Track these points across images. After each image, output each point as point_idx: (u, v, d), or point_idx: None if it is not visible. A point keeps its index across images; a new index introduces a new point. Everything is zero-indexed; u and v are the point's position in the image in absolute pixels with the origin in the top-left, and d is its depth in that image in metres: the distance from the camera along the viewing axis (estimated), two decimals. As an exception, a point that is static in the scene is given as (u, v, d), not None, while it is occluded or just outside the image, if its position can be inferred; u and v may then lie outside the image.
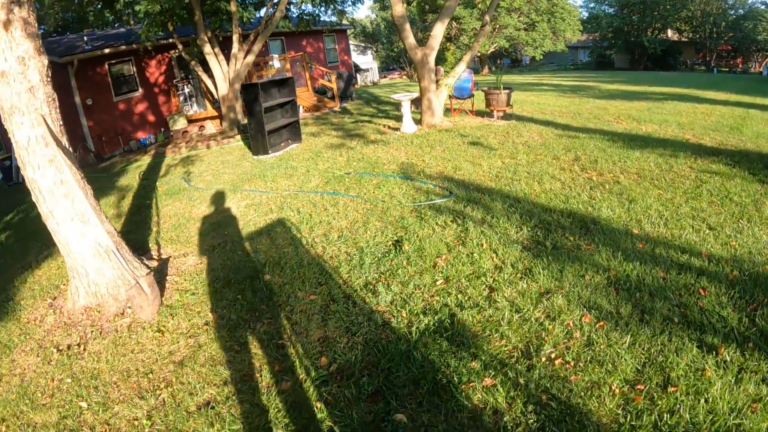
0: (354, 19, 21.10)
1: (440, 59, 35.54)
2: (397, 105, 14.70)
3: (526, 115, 11.77)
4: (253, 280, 4.49)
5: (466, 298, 3.71)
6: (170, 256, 5.57)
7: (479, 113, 12.03)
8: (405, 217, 5.53)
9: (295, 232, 5.58)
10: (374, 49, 34.02)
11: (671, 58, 40.33)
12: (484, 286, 3.87)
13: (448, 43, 34.35)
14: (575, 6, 37.19)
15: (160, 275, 5.02)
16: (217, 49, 13.39)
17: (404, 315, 3.60)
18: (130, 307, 4.38)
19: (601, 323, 3.32)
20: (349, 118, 13.61)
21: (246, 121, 10.55)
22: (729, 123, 9.72)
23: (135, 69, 17.03)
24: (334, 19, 20.78)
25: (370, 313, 3.68)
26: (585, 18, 40.42)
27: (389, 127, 11.32)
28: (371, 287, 4.04)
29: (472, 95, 12.06)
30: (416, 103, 11.52)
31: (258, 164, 9.41)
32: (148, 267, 5.01)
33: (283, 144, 10.61)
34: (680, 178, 6.11)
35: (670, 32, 43.06)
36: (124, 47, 16.20)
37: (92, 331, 4.17)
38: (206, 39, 12.53)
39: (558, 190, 5.99)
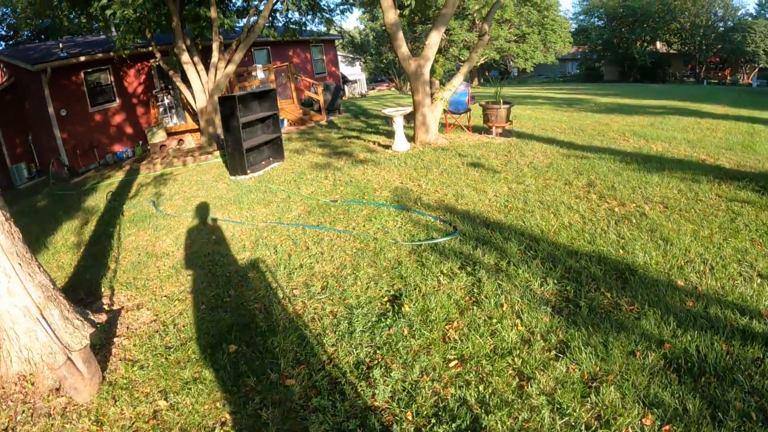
0: (342, 28, 20.33)
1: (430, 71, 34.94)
2: (387, 119, 13.82)
3: (526, 131, 10.96)
4: (215, 352, 3.54)
5: (491, 392, 2.80)
6: (122, 308, 4.60)
7: (476, 129, 11.21)
8: (402, 261, 4.63)
9: (270, 279, 4.63)
10: (363, 60, 33.23)
11: (660, 70, 40.07)
12: (512, 370, 2.97)
13: (437, 55, 33.70)
14: (566, 18, 36.75)
15: (107, 335, 4.06)
16: (196, 58, 12.45)
17: (410, 418, 2.68)
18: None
19: (667, 427, 2.44)
20: (336, 134, 12.69)
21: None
22: (739, 140, 9.13)
23: (112, 78, 16.06)
24: (321, 28, 19.94)
25: (364, 412, 2.75)
26: (574, 30, 40.02)
27: (380, 144, 10.42)
28: (364, 370, 3.11)
29: (469, 110, 11.22)
30: (408, 118, 10.64)
31: (235, 186, 8.45)
32: (93, 324, 4.01)
33: (263, 162, 9.67)
34: (711, 209, 5.35)
35: (658, 44, 42.85)
36: (101, 55, 15.24)
37: (23, 411, 3.23)
38: (184, 47, 11.58)
39: (579, 225, 5.13)
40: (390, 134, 11.40)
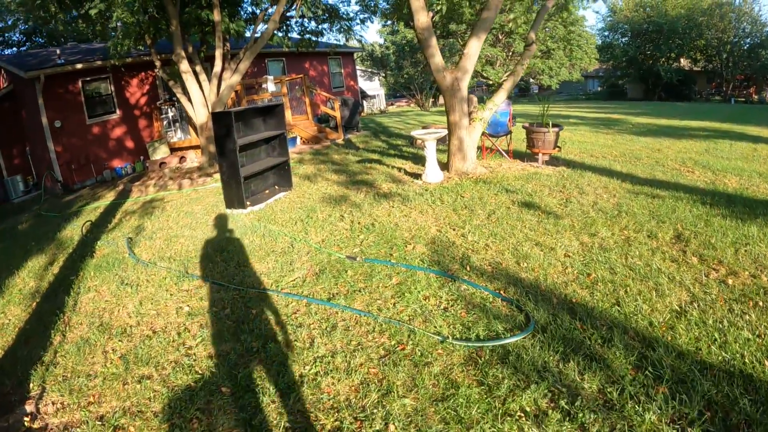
0: (362, 37, 18.81)
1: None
2: (411, 140, 11.98)
3: (574, 158, 9.10)
4: None
5: None
6: (46, 427, 2.82)
7: (516, 155, 9.33)
8: (457, 381, 2.82)
9: (253, 408, 2.79)
10: (383, 74, 31.51)
11: (686, 89, 37.89)
12: None
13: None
14: (592, 33, 34.82)
15: None
16: (199, 68, 10.76)
17: None
18: None
19: None
20: (354, 155, 10.87)
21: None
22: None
23: (113, 88, 14.49)
24: (340, 39, 18.27)
25: None
26: (598, 46, 38.02)
27: (406, 171, 8.57)
28: None
29: (510, 132, 9.33)
30: (440, 140, 8.79)
31: (228, 225, 6.65)
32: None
33: (267, 192, 7.88)
34: None
35: (683, 61, 40.71)
36: (99, 63, 13.65)
37: None
38: (184, 54, 9.90)
39: (695, 312, 3.35)
40: (417, 158, 9.56)
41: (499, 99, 8.36)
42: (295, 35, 14.76)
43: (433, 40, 7.72)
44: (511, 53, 29.15)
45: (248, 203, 7.17)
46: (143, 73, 14.90)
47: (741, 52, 37.05)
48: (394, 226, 5.74)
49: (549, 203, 6.21)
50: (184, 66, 9.97)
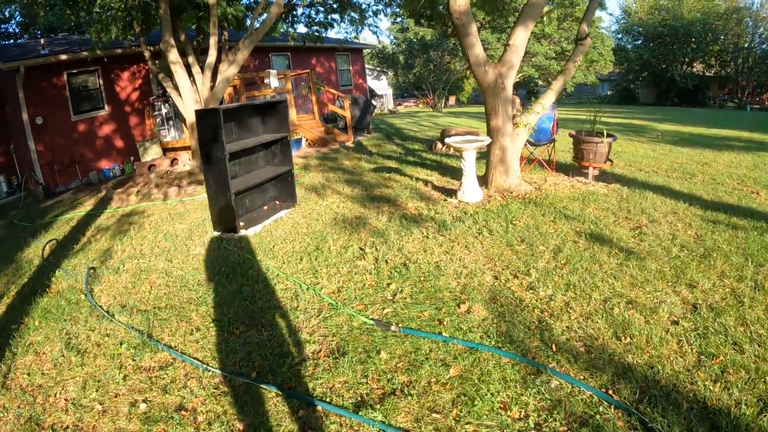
0: (377, 28, 17.19)
1: (456, 88, 31.36)
2: (430, 144, 10.41)
3: (623, 173, 7.58)
4: None
5: None
6: None
7: (560, 167, 7.79)
8: None
9: None
10: (394, 72, 29.78)
11: (700, 94, 36.27)
12: None
13: (467, 71, 30.21)
14: (609, 35, 33.12)
15: None
16: (192, 59, 9.21)
17: None
18: None
19: None
20: (367, 162, 9.31)
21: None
22: None
23: (101, 82, 12.95)
24: (349, 34, 16.70)
25: None
26: (612, 49, 36.34)
27: (434, 185, 7.01)
28: None
29: (553, 140, 7.77)
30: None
31: (213, 256, 5.10)
32: None
33: (266, 208, 6.34)
34: None
35: (696, 66, 39.06)
36: (85, 53, 12.06)
37: None
38: (173, 42, 8.37)
39: None
40: (442, 168, 8.01)
41: (548, 101, 6.81)
42: (301, 29, 13.18)
43: (473, 27, 6.16)
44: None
45: (241, 224, 5.62)
46: (135, 66, 13.35)
47: (756, 58, 35.43)
48: (435, 269, 4.18)
49: (620, 235, 4.71)
50: (173, 56, 8.42)
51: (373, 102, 23.83)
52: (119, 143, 13.24)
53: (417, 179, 7.40)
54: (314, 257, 4.69)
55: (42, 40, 13.38)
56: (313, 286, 4.07)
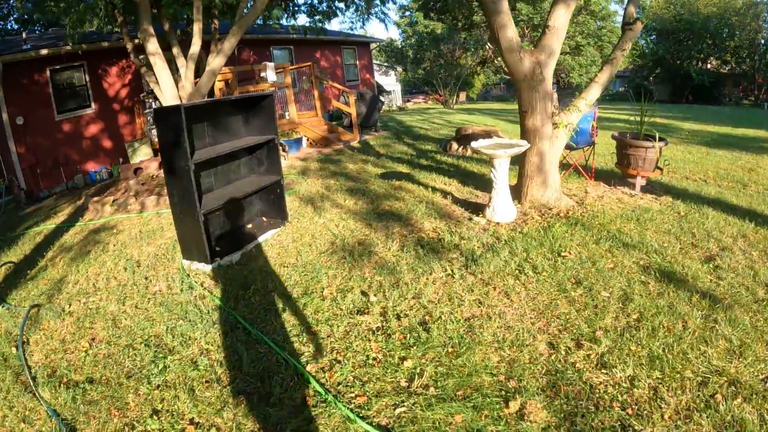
0: (386, 15, 15.75)
1: (466, 84, 29.85)
2: (443, 144, 9.08)
3: (669, 181, 6.43)
4: None
5: None
6: None
7: (599, 174, 6.50)
8: None
9: None
10: (403, 68, 28.27)
11: (716, 91, 34.59)
12: None
13: (478, 67, 28.71)
14: (624, 30, 31.37)
15: None
16: (177, 50, 7.96)
17: None
18: None
19: None
20: (374, 165, 8.00)
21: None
22: None
23: (88, 78, 11.71)
24: (355, 23, 15.38)
25: None
26: (625, 45, 34.67)
27: (454, 198, 5.69)
28: None
29: (593, 143, 6.44)
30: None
31: (174, 299, 3.85)
32: None
33: (250, 226, 5.08)
34: None
35: (712, 62, 37.36)
36: (69, 47, 10.87)
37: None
38: (151, 32, 7.12)
39: None
40: (462, 174, 6.70)
41: (592, 96, 5.47)
42: (304, 21, 11.85)
43: (505, 4, 4.82)
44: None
45: (217, 249, 4.35)
46: (124, 61, 12.11)
47: (772, 54, 33.75)
48: (467, 332, 2.91)
49: (694, 271, 3.55)
50: (152, 47, 7.14)
51: (381, 98, 22.48)
52: (107, 144, 12.02)
53: (433, 189, 6.08)
54: (301, 306, 3.41)
55: (24, 35, 12.17)
56: (296, 359, 2.77)
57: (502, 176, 4.50)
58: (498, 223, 4.62)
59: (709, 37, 33.89)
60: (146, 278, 4.34)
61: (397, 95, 26.17)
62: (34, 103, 10.87)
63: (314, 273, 3.90)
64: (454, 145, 9.23)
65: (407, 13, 28.77)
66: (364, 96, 11.70)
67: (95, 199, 8.11)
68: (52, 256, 5.56)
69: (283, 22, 11.07)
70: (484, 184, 6.19)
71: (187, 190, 4.08)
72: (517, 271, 3.66)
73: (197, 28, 7.21)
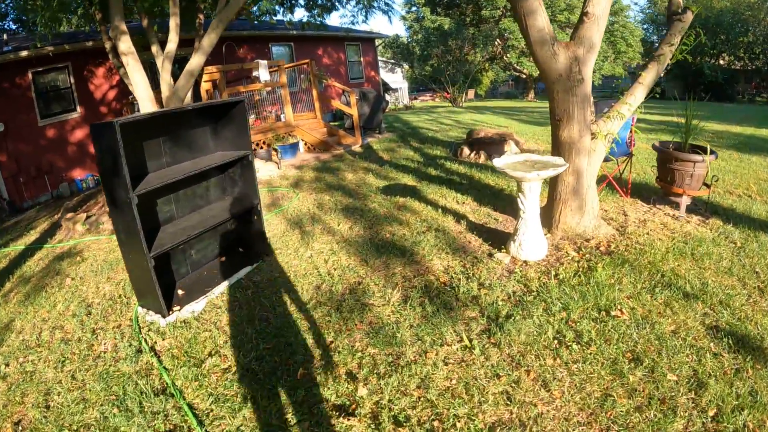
0: (390, 7, 14.69)
1: (474, 80, 28.67)
2: (453, 149, 8.05)
3: (711, 196, 5.30)
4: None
5: None
6: None
7: (636, 188, 5.50)
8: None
9: None
10: (410, 64, 27.08)
11: (729, 88, 33.20)
12: None
13: (486, 64, 27.47)
14: (637, 25, 30.05)
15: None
16: (156, 48, 6.96)
17: None
18: None
19: None
20: (376, 176, 6.99)
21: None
22: None
23: (72, 80, 10.81)
24: (356, 16, 14.33)
25: None
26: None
27: (470, 223, 4.66)
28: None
29: (630, 154, 5.42)
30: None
31: (117, 370, 2.89)
32: None
33: (222, 260, 4.13)
34: None
35: (724, 59, 35.89)
36: (50, 48, 10.03)
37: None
38: (124, 29, 6.15)
39: None
40: (476, 187, 5.68)
41: (637, 99, 4.44)
42: (301, 14, 10.82)
43: (534, -13, 3.78)
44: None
45: (180, 293, 3.41)
46: (110, 61, 11.13)
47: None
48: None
49: None
50: (124, 45, 6.16)
51: (387, 97, 21.37)
52: (94, 149, 11.07)
53: (444, 209, 5.06)
54: (268, 396, 2.42)
55: (5, 36, 11.28)
56: None
57: (531, 203, 3.48)
58: (525, 262, 3.61)
59: (722, 33, 32.53)
60: (94, 332, 3.41)
61: (403, 93, 25.08)
62: (15, 108, 10.02)
63: (289, 338, 2.91)
64: (466, 150, 8.21)
65: (413, 8, 27.60)
66: (367, 95, 10.66)
67: (68, 216, 7.17)
68: (9, 289, 4.65)
69: (280, 17, 10.07)
70: (504, 201, 5.17)
71: (131, 228, 3.11)
72: (556, 342, 2.66)
73: (174, 23, 6.23)
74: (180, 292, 3.77)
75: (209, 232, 4.00)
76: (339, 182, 6.73)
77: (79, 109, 10.91)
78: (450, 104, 20.58)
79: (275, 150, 8.22)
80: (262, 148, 8.49)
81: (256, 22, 13.30)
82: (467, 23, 24.38)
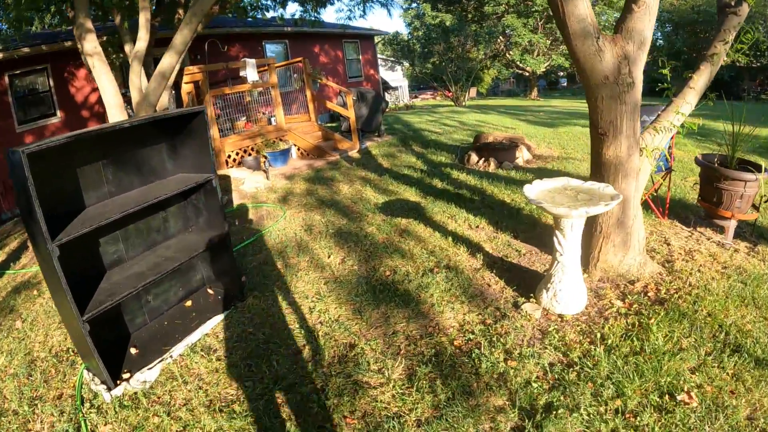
0: (390, 0, 13.93)
1: (476, 78, 27.76)
2: (459, 154, 7.24)
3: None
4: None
5: None
6: None
7: (673, 208, 4.73)
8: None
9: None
10: (410, 62, 26.13)
11: (735, 86, 32.35)
12: None
13: (488, 61, 26.53)
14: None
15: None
16: (129, 48, 6.16)
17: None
18: None
19: None
20: (374, 189, 6.17)
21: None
22: None
23: (52, 82, 10.04)
24: (353, 10, 13.53)
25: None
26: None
27: (486, 254, 3.84)
28: None
29: (670, 170, 4.62)
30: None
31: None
32: None
33: (188, 304, 3.29)
34: None
35: (729, 56, 34.94)
36: (27, 50, 9.31)
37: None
38: (89, 26, 5.38)
39: None
40: (489, 205, 4.88)
41: (689, 107, 3.63)
42: (295, 8, 9.95)
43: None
44: (552, 40, 23.71)
45: (133, 351, 2.65)
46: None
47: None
48: None
49: None
50: (89, 45, 5.35)
51: (387, 96, 20.48)
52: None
53: (454, 236, 4.24)
54: None
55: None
56: None
57: (572, 245, 2.68)
58: (561, 317, 2.81)
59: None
60: (32, 402, 2.63)
61: (403, 92, 24.20)
62: (-10, 113, 9.25)
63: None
64: (474, 157, 7.40)
65: (414, 4, 26.66)
66: (365, 95, 9.82)
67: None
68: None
69: (273, 13, 9.23)
70: (524, 225, 4.36)
71: (56, 286, 2.32)
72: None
73: (143, 18, 5.41)
74: (133, 350, 2.99)
75: (168, 275, 3.19)
76: (333, 196, 5.92)
77: (59, 113, 10.14)
78: (452, 103, 19.69)
79: (265, 157, 7.40)
80: (250, 155, 7.68)
81: (250, 19, 12.46)
82: (469, 20, 23.46)
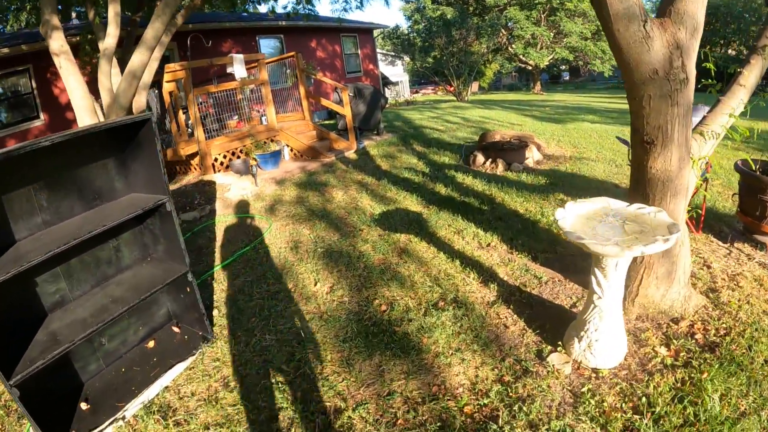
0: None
1: (477, 72, 27.05)
2: (463, 154, 6.65)
3: None
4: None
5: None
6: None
7: (706, 219, 4.12)
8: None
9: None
10: (411, 57, 25.33)
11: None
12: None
13: (490, 55, 25.79)
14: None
15: None
16: (103, 45, 5.54)
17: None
18: None
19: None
20: (371, 196, 5.59)
21: None
22: None
23: (35, 84, 9.52)
24: (351, 2, 12.93)
25: None
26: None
27: (501, 283, 3.29)
28: None
29: (706, 178, 4.03)
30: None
31: None
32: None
33: (150, 345, 2.78)
34: None
35: (733, 48, 34.27)
36: (7, 50, 8.79)
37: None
38: (56, 23, 4.82)
39: None
40: (500, 214, 4.27)
41: (739, 107, 3.04)
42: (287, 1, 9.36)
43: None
44: (556, 33, 22.95)
45: (84, 407, 2.06)
46: (78, 60, 9.74)
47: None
48: None
49: None
50: (56, 43, 4.80)
51: (386, 92, 19.81)
52: None
53: (462, 257, 3.66)
54: None
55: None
56: None
57: (614, 287, 2.11)
58: (596, 371, 2.23)
59: (732, 22, 31.05)
60: None
61: (404, 87, 23.53)
62: (-32, 115, 8.72)
63: None
64: (480, 158, 6.83)
65: (413, -3, 25.92)
66: (363, 92, 9.19)
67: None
68: None
69: (263, 7, 8.58)
70: (543, 243, 3.78)
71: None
72: None
73: (113, 11, 4.82)
74: (84, 405, 2.46)
75: (122, 315, 2.63)
76: (325, 206, 5.34)
77: (42, 116, 9.61)
78: (454, 98, 19.03)
79: (254, 159, 6.83)
80: (239, 157, 7.10)
81: (245, 14, 11.86)
82: (471, 12, 22.74)
